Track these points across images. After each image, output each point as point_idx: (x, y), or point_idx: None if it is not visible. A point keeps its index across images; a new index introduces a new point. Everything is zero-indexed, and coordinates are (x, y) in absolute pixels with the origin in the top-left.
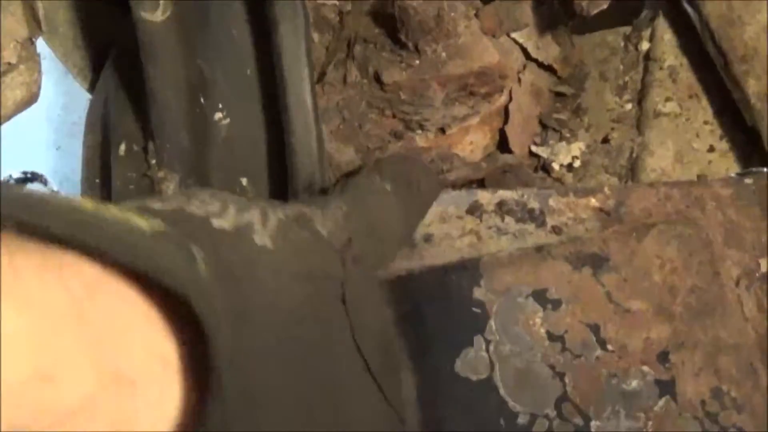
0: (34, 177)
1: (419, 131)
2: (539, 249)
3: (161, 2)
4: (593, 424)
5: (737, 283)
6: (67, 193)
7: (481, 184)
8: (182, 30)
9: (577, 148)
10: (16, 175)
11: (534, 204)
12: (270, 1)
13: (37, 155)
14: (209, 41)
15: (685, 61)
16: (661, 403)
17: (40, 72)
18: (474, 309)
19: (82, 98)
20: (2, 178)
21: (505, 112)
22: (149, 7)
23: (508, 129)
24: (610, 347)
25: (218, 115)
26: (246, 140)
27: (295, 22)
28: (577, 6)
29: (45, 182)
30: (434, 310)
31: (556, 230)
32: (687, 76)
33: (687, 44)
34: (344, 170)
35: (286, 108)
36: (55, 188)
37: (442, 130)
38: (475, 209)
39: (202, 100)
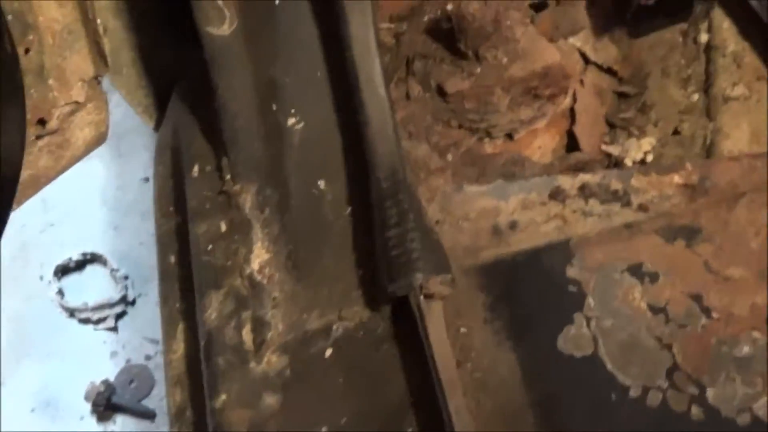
0: (93, 258)
1: (487, 139)
2: (628, 226)
3: (227, 15)
4: (709, 391)
5: None
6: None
7: None
8: (250, 40)
9: (648, 143)
10: (76, 256)
11: (617, 185)
12: None
13: (94, 236)
14: (278, 47)
15: (747, 45)
16: None
17: (107, 110)
18: (570, 287)
19: (135, 178)
20: (63, 261)
21: (571, 114)
22: (216, 22)
23: (577, 129)
24: (715, 315)
25: (291, 120)
26: (321, 142)
27: (363, 12)
28: None
29: (104, 262)
30: (528, 291)
31: (642, 208)
32: (751, 59)
33: (747, 29)
34: (421, 165)
35: (360, 99)
36: (114, 266)
37: (510, 136)
38: (557, 194)
39: (274, 107)
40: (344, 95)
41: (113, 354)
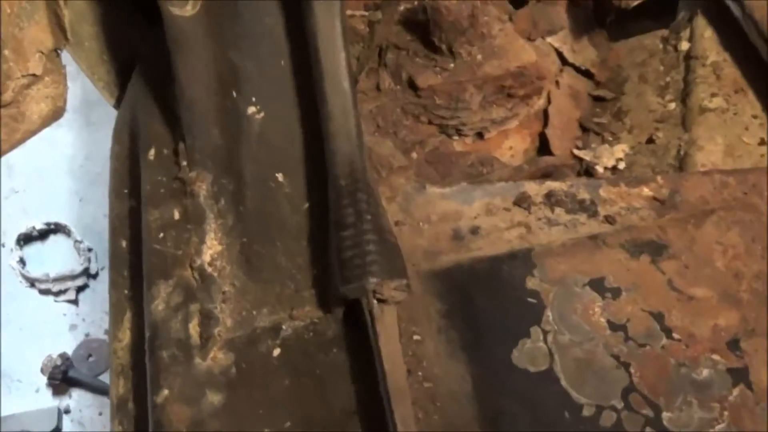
0: (57, 228)
1: (456, 137)
2: (593, 238)
3: None
4: (665, 415)
5: None
6: (90, 242)
7: None
8: (212, 23)
9: (621, 150)
10: (40, 225)
11: (584, 194)
12: None
13: (60, 206)
14: (241, 33)
15: (728, 56)
16: (735, 392)
17: (65, 85)
18: (529, 299)
19: (104, 149)
20: (26, 229)
21: (545, 116)
22: (178, 2)
23: (549, 131)
24: (676, 336)
25: (252, 109)
26: (281, 133)
27: (330, 2)
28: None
29: (68, 233)
30: (486, 301)
31: (609, 220)
32: (731, 71)
33: (729, 40)
34: (384, 163)
35: (322, 93)
36: (78, 238)
37: (480, 135)
38: (522, 201)
39: (234, 94)
40: (308, 87)
41: (72, 327)
